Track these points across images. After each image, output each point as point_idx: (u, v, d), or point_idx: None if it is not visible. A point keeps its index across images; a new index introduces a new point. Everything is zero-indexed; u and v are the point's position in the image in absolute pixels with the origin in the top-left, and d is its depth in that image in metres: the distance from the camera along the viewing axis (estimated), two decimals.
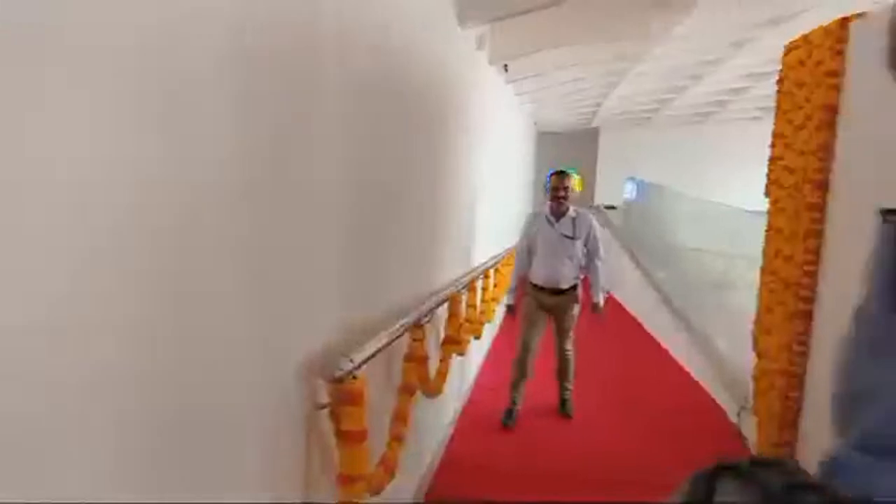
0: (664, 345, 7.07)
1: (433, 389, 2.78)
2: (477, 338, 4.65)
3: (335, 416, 1.58)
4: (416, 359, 2.42)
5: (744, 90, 8.81)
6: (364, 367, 1.77)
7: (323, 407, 1.60)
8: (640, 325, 8.32)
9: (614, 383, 5.61)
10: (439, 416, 3.82)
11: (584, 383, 4.93)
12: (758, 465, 0.57)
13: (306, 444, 1.61)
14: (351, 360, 1.57)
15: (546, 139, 12.79)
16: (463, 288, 3.86)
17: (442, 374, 3.06)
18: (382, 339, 1.91)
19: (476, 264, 4.89)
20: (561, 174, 4.35)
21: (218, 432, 1.24)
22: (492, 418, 4.43)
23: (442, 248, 3.64)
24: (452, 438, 4.06)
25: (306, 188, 1.55)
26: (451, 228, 3.93)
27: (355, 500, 1.63)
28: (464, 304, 3.98)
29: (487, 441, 4.10)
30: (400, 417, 2.26)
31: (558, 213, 4.32)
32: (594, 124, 12.04)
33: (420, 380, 2.60)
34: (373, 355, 1.73)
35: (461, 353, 3.81)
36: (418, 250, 3.06)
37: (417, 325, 2.45)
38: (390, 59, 2.30)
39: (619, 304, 9.30)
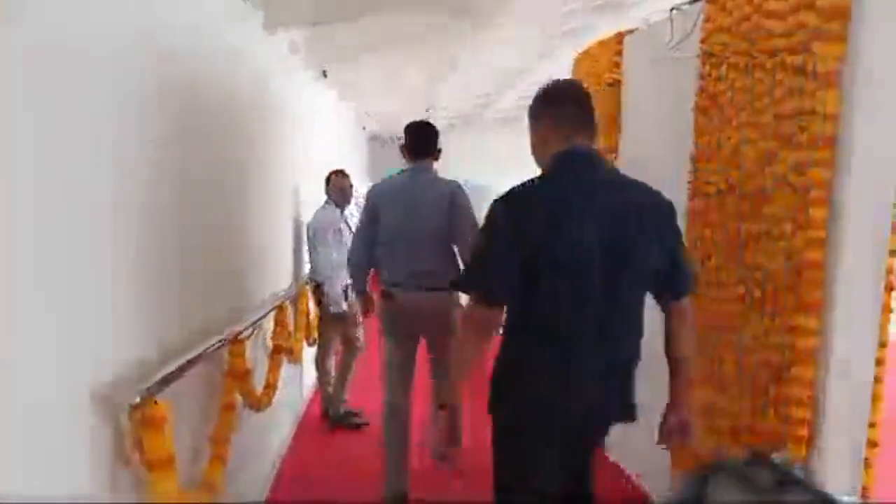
0: None
1: (260, 403, 2.74)
2: (310, 344, 4.62)
3: (138, 444, 1.53)
4: (235, 374, 2.38)
5: None
6: (175, 387, 1.72)
7: (126, 434, 1.54)
8: None
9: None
10: (277, 425, 3.76)
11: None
12: (750, 463, 0.59)
13: (111, 476, 1.54)
14: (149, 384, 1.52)
15: (378, 143, 12.94)
16: (291, 297, 3.83)
17: (271, 385, 3.02)
18: (191, 357, 1.86)
19: (306, 273, 4.85)
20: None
21: None
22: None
23: (268, 257, 3.58)
24: (292, 446, 4.02)
25: (93, 193, 1.49)
26: (277, 237, 3.88)
27: None
28: (291, 314, 3.95)
29: (331, 444, 4.09)
30: (220, 437, 2.21)
31: None
32: None
33: (244, 394, 2.56)
34: (174, 377, 1.69)
35: (293, 362, 3.78)
36: (240, 261, 3.00)
37: (237, 340, 2.40)
38: (184, 68, 2.25)
39: None
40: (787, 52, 1.95)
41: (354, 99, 7.73)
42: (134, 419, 1.51)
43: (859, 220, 1.80)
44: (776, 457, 0.62)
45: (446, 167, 9.83)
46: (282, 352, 3.28)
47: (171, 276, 2.02)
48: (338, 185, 4.39)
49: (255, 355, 3.00)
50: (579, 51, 4.01)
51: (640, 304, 1.82)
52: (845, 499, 0.53)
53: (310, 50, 4.74)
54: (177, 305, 2.08)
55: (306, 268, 4.57)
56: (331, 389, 4.43)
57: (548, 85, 1.91)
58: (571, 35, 5.90)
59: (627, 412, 1.85)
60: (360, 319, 4.28)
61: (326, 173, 4.59)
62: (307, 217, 4.52)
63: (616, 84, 3.32)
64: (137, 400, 1.47)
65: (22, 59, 1.24)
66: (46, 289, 1.30)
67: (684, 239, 2.54)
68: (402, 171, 3.21)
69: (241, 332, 2.45)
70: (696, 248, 2.45)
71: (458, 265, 2.96)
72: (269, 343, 3.32)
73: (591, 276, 1.65)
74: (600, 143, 3.47)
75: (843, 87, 1.77)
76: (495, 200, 1.76)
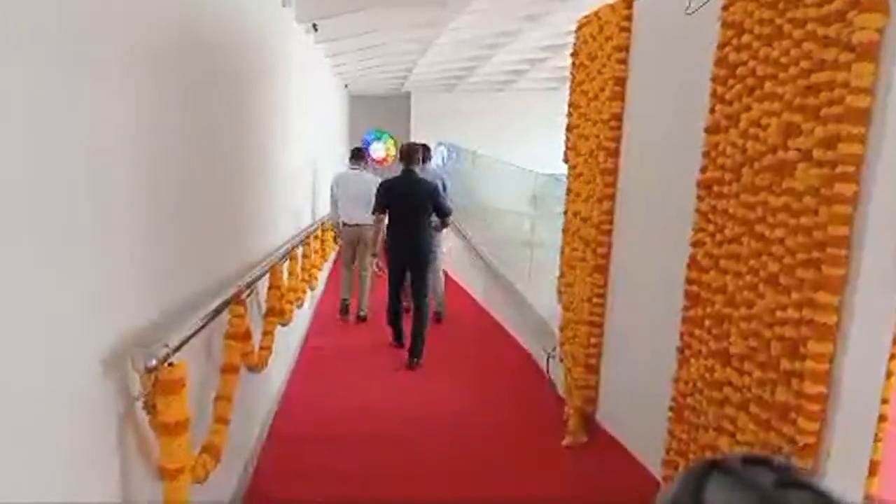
0: (478, 298, 7.49)
1: (258, 364, 2.68)
2: (299, 306, 4.58)
3: (151, 407, 1.46)
4: (237, 336, 2.31)
5: (541, 61, 9.36)
6: (183, 349, 1.66)
7: (138, 398, 1.48)
8: (455, 282, 8.69)
9: (445, 344, 5.90)
10: (268, 384, 3.71)
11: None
12: (748, 462, 0.57)
13: (120, 440, 1.48)
14: (166, 346, 1.45)
15: (359, 102, 12.68)
16: (283, 258, 3.74)
17: (266, 347, 2.96)
18: (200, 318, 1.79)
19: (296, 231, 4.81)
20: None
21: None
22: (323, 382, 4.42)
23: (259, 217, 3.48)
24: (280, 409, 3.99)
25: (89, 157, 1.40)
26: (266, 198, 3.77)
27: (180, 493, 1.53)
28: (286, 274, 3.87)
29: (319, 402, 4.08)
30: (224, 398, 2.15)
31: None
32: (406, 89, 12.13)
33: (243, 356, 2.50)
34: (188, 339, 1.62)
35: (284, 324, 3.71)
36: (237, 220, 2.91)
37: (238, 301, 2.33)
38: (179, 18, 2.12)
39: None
40: (818, 22, 1.91)
41: (339, 56, 7.52)
42: (147, 382, 1.44)
43: (885, 198, 1.78)
44: (777, 456, 0.62)
45: (431, 131, 9.95)
46: (275, 314, 3.21)
47: (171, 235, 1.94)
48: (364, 160, 6.46)
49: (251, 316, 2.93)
50: (579, 14, 3.91)
51: (428, 219, 4.93)
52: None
53: (300, 3, 4.57)
54: (177, 264, 2.00)
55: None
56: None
57: (404, 143, 5.47)
58: None
59: (425, 255, 5.00)
60: None
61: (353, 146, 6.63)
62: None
63: (623, 49, 3.25)
64: (154, 363, 1.40)
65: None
66: (45, 252, 1.22)
67: (695, 210, 2.54)
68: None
69: (242, 292, 2.37)
70: (708, 220, 2.43)
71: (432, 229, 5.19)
72: (263, 304, 3.25)
73: (405, 210, 4.89)
74: (602, 112, 3.42)
75: (880, 59, 1.74)
76: (381, 182, 5.14)
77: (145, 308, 1.66)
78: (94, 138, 1.39)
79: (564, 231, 4.05)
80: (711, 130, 2.43)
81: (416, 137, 12.58)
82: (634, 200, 3.25)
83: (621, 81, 3.29)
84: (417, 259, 4.98)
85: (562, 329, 4.05)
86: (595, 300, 3.53)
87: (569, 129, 3.99)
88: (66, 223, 1.27)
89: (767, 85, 2.13)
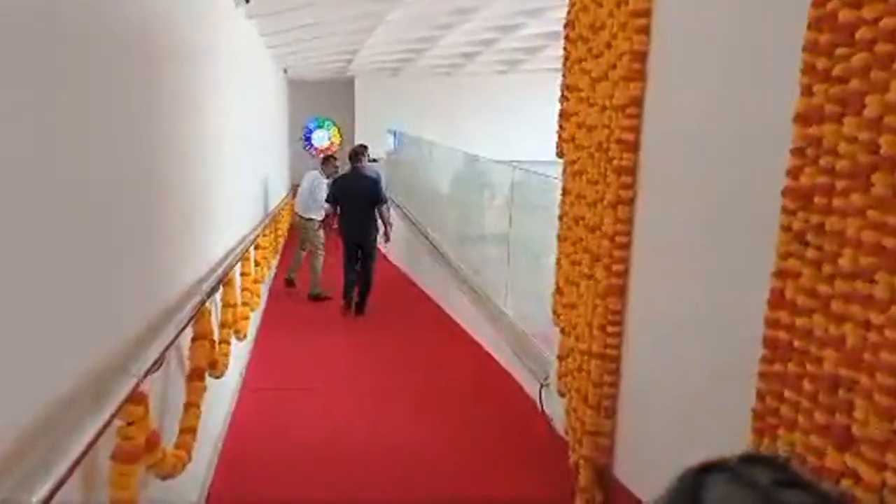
0: (438, 300, 6.88)
1: (174, 468, 1.88)
2: (239, 338, 3.78)
3: None
4: (133, 454, 1.50)
5: (492, 42, 8.63)
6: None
7: None
8: (410, 281, 8.03)
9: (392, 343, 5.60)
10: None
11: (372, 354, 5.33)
12: (746, 461, 0.56)
13: None
14: None
15: (300, 88, 11.69)
16: (212, 291, 2.91)
17: (188, 430, 2.15)
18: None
19: (234, 243, 4.00)
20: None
21: None
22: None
23: (177, 237, 2.66)
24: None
25: None
26: (180, 210, 2.94)
27: None
28: (216, 312, 3.05)
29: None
30: None
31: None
32: (349, 73, 11.22)
33: (150, 466, 1.70)
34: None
35: (217, 376, 2.90)
36: (140, 253, 2.08)
37: (136, 398, 1.53)
38: None
39: (389, 260, 8.80)
40: None
41: (276, 35, 6.60)
42: None
43: None
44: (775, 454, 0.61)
45: (376, 118, 9.61)
46: (202, 375, 2.40)
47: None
48: (333, 166, 7.29)
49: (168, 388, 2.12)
50: None
51: (372, 209, 6.46)
52: None
53: None
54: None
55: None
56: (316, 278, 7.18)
57: (352, 147, 7.28)
58: None
59: (368, 237, 6.51)
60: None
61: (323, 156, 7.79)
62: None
63: (644, 15, 2.55)
64: None
65: None
66: None
67: (781, 227, 1.86)
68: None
69: (138, 386, 1.56)
70: (804, 243, 1.75)
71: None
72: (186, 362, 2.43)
73: (353, 203, 6.41)
74: (614, 96, 2.73)
75: None
76: (334, 179, 6.90)
77: None
78: None
79: (561, 240, 3.36)
80: (808, 120, 1.74)
81: (361, 124, 11.78)
82: (664, 208, 2.56)
83: (641, 57, 2.59)
84: (365, 239, 6.46)
85: (561, 358, 3.37)
86: (610, 329, 2.85)
87: (563, 116, 3.29)
88: None
89: None
